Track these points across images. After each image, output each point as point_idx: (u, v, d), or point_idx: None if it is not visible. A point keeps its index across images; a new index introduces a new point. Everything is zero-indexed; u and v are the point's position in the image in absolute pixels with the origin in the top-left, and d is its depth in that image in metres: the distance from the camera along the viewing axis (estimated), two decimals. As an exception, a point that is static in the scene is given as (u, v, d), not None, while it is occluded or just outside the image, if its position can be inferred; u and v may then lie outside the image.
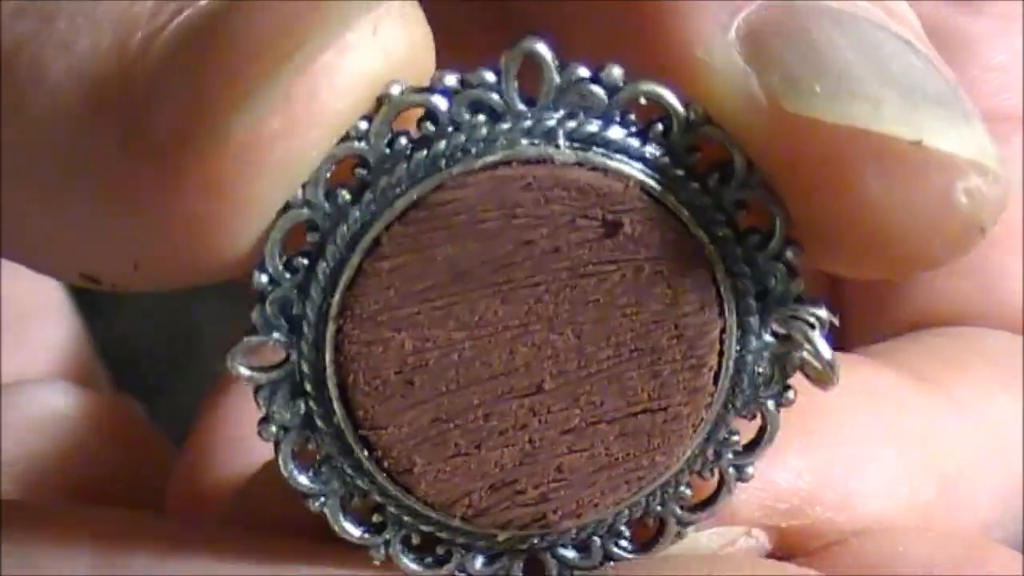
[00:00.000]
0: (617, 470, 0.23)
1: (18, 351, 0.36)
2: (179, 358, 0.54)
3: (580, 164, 0.23)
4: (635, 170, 0.23)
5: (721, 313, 0.23)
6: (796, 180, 0.23)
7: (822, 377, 0.24)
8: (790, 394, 0.24)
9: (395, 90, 0.22)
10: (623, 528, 0.25)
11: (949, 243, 0.23)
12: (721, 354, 0.23)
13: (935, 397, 0.28)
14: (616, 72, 0.23)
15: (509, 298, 0.23)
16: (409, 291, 0.23)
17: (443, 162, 0.22)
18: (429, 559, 0.24)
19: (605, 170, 0.23)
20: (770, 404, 0.24)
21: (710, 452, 0.24)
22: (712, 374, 0.23)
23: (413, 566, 0.24)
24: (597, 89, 0.23)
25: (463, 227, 0.23)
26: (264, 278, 0.23)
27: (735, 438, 0.24)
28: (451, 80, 0.23)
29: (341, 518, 0.24)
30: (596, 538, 0.24)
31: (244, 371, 0.23)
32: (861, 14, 0.24)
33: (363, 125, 0.22)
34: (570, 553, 0.25)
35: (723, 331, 0.23)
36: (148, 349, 0.56)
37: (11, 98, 0.23)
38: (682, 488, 0.24)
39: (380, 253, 0.23)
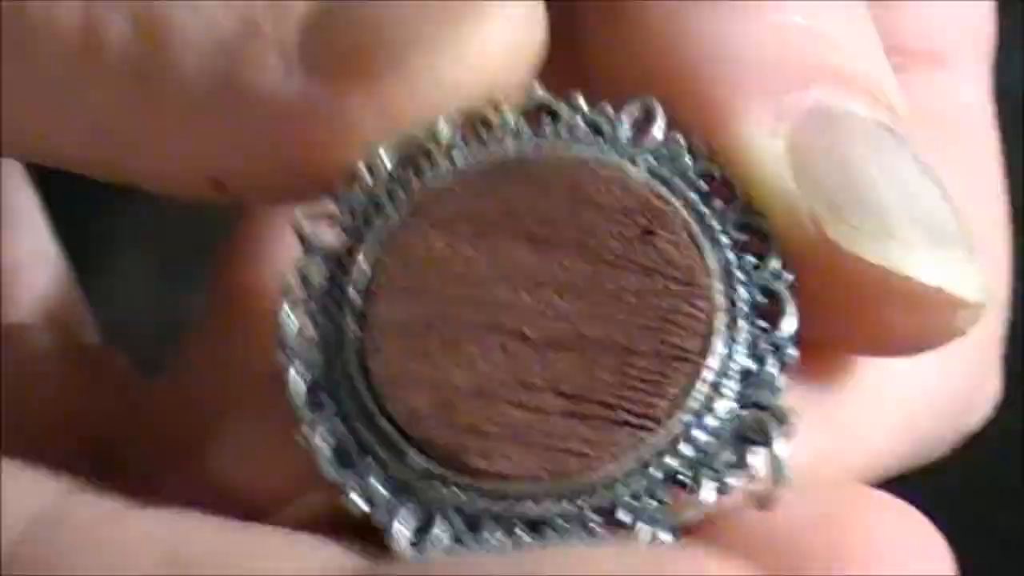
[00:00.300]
0: (546, 450, 0.24)
1: (8, 299, 0.35)
2: (165, 350, 0.53)
3: (645, 183, 0.25)
4: (685, 213, 0.25)
5: (702, 355, 0.24)
6: (822, 290, 0.25)
7: (765, 496, 0.25)
8: (731, 479, 0.25)
9: (540, 92, 0.26)
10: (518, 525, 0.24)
11: (934, 347, 0.26)
12: (687, 393, 0.24)
13: None
14: (702, 147, 0.26)
15: (539, 250, 0.25)
16: (467, 208, 0.25)
17: (546, 142, 0.26)
18: (342, 461, 0.24)
19: (662, 198, 0.25)
20: (707, 481, 0.24)
21: (637, 483, 0.24)
22: (667, 408, 0.24)
23: (328, 459, 0.24)
24: (686, 153, 0.26)
25: (532, 180, 0.25)
26: (364, 169, 0.25)
27: (711, 450, 0.24)
28: (580, 100, 0.26)
29: (298, 379, 0.25)
30: (492, 520, 0.24)
31: (303, 221, 0.25)
32: (888, 140, 0.26)
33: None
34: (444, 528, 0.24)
35: (696, 371, 0.24)
36: (134, 341, 0.56)
37: (162, 27, 0.25)
38: (590, 512, 0.24)
39: (463, 178, 0.25)
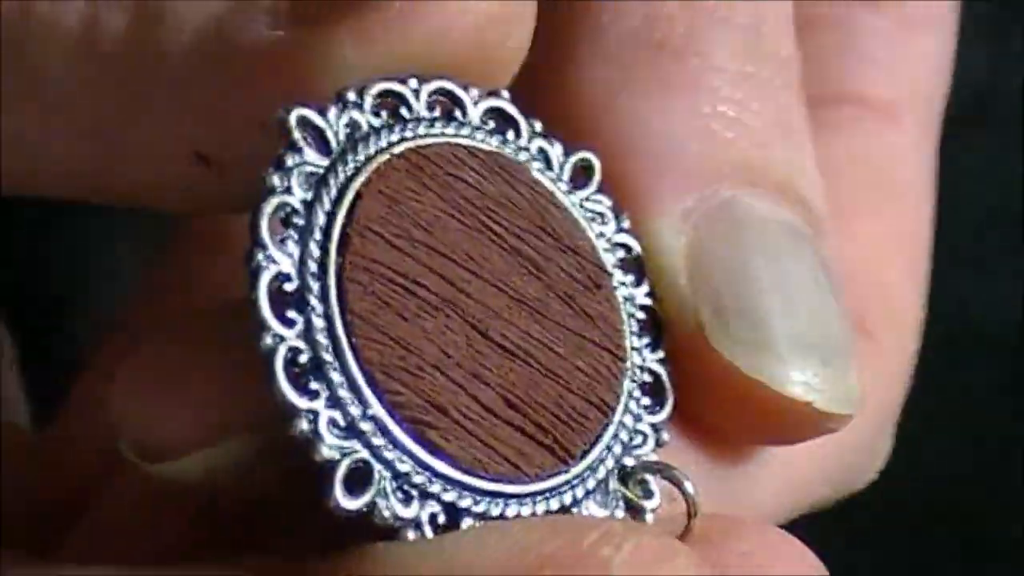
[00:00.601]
0: (487, 447, 0.24)
1: None
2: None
3: (590, 239, 0.26)
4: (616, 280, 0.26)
5: (614, 411, 0.25)
6: (702, 384, 0.26)
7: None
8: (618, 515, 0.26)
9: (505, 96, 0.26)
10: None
11: (805, 441, 0.27)
12: (594, 444, 0.25)
13: None
14: (626, 220, 0.26)
15: (507, 259, 0.25)
16: (453, 175, 0.25)
17: (508, 150, 0.26)
18: (299, 384, 0.23)
19: (601, 257, 0.26)
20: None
21: (544, 505, 0.25)
22: (583, 448, 0.25)
23: (283, 379, 0.23)
24: (612, 219, 0.26)
25: (507, 186, 0.25)
26: (353, 96, 0.24)
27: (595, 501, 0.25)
28: (537, 125, 0.26)
29: (264, 285, 0.23)
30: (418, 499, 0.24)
31: (293, 121, 0.24)
32: (788, 244, 0.26)
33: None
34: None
35: (605, 426, 0.25)
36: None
37: (158, 13, 0.25)
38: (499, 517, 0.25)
39: (429, 152, 0.25)
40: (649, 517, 0.25)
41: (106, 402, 0.25)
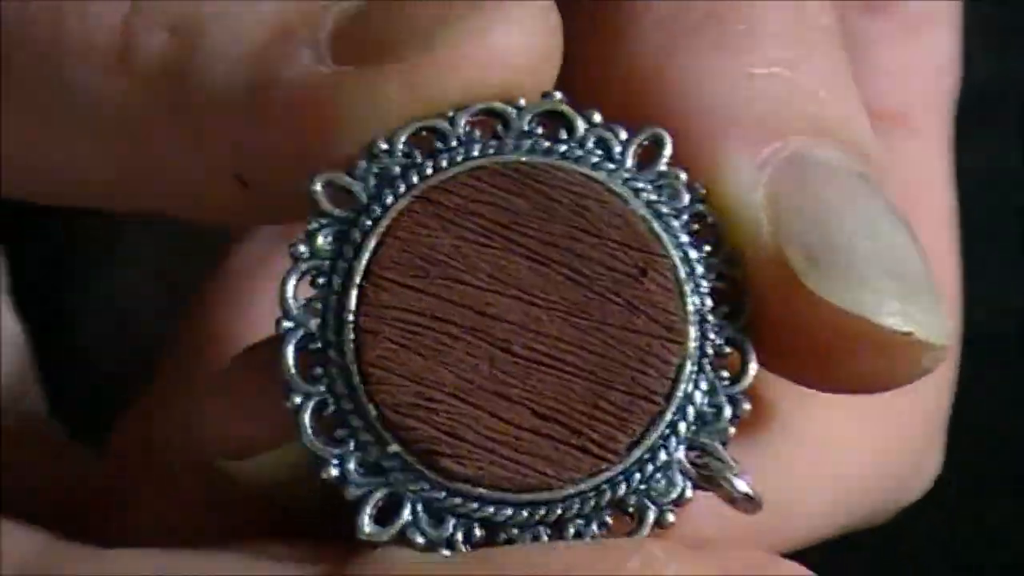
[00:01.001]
0: (513, 463, 0.25)
1: None
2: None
3: (645, 220, 0.26)
4: (676, 257, 0.26)
5: (667, 400, 0.25)
6: (794, 335, 0.26)
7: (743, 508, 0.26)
8: (670, 516, 0.26)
9: (558, 97, 0.26)
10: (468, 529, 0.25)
11: (901, 385, 0.27)
12: (647, 432, 0.25)
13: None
14: (700, 189, 0.26)
15: (536, 269, 0.25)
16: (477, 211, 0.26)
17: (556, 155, 0.26)
18: (325, 436, 0.25)
19: (657, 237, 0.26)
20: (650, 513, 0.26)
21: (588, 506, 0.25)
22: (627, 443, 0.25)
23: (309, 431, 0.25)
24: (685, 191, 0.26)
25: (540, 195, 0.26)
26: (383, 145, 0.26)
27: (657, 485, 0.26)
28: (596, 116, 0.26)
29: (291, 344, 0.25)
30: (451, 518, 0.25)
31: (319, 188, 0.25)
32: (862, 189, 0.27)
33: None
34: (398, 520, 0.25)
35: (660, 413, 0.25)
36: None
37: (197, 37, 0.26)
38: (570, 527, 0.26)
39: (478, 173, 0.26)
40: (731, 484, 0.25)
41: (192, 407, 0.28)
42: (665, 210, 0.26)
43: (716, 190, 0.26)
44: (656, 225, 0.26)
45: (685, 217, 0.26)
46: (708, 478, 0.26)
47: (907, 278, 0.26)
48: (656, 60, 0.27)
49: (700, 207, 0.26)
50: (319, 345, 0.25)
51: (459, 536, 0.25)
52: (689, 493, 0.25)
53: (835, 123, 0.27)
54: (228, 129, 0.26)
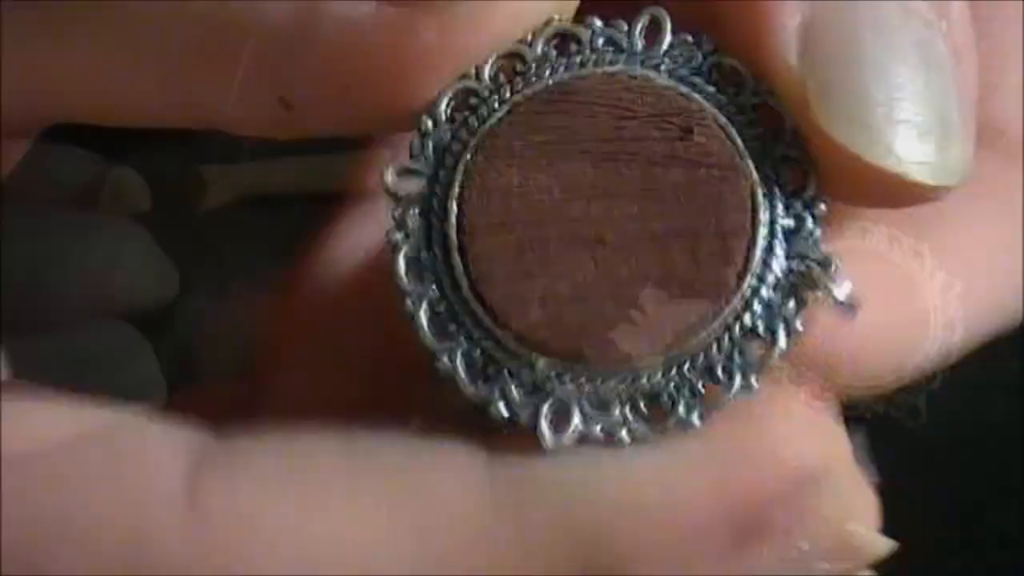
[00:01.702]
0: (647, 332, 0.27)
1: None
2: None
3: (671, 88, 0.28)
4: (710, 106, 0.28)
5: (753, 226, 0.27)
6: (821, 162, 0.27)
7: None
8: (798, 323, 0.27)
9: (557, 18, 0.29)
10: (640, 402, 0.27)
11: (913, 205, 0.27)
12: (748, 260, 0.27)
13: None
14: (709, 43, 0.28)
15: (598, 166, 0.28)
16: (529, 141, 0.28)
17: (576, 67, 0.28)
18: (480, 379, 0.28)
19: (688, 98, 0.28)
20: (781, 330, 0.27)
21: (725, 344, 0.27)
22: (735, 276, 0.27)
23: (467, 381, 0.27)
24: (696, 51, 0.29)
25: (578, 106, 0.28)
26: (429, 122, 0.28)
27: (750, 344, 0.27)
28: (596, 21, 0.29)
29: (424, 318, 0.27)
30: (618, 400, 0.27)
31: (390, 179, 0.28)
32: (896, 16, 0.27)
33: (528, 38, 0.28)
34: (588, 408, 0.27)
35: (751, 240, 0.27)
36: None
37: None
38: (694, 377, 0.27)
39: (516, 113, 0.28)
40: (830, 288, 0.27)
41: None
42: (684, 72, 0.28)
43: (762, 30, 0.27)
44: (683, 88, 0.28)
45: (704, 71, 0.28)
46: (812, 284, 0.27)
47: (920, 119, 0.26)
48: None
49: (715, 57, 0.28)
50: (442, 306, 0.27)
51: (628, 414, 0.27)
52: (811, 301, 0.27)
53: None
54: (276, 60, 0.27)
